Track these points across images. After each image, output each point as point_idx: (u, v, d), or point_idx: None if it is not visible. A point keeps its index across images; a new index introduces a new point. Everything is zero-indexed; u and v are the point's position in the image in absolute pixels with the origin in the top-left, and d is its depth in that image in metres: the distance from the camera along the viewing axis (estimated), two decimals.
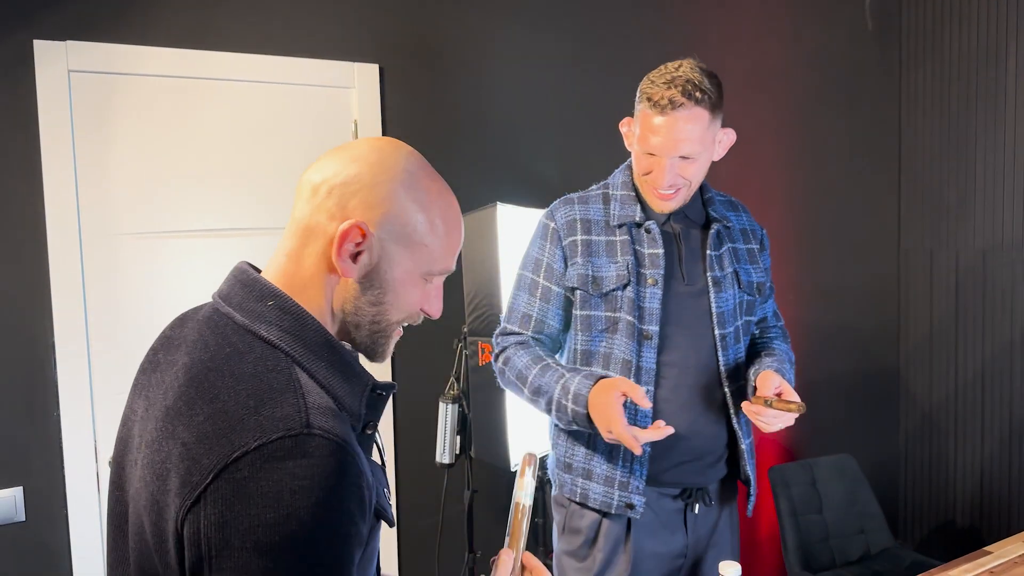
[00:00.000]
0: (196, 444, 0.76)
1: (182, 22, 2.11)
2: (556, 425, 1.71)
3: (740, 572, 1.33)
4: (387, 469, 2.44)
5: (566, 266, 1.64)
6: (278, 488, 0.72)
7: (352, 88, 2.33)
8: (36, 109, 1.95)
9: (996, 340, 3.03)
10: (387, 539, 2.42)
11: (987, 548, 1.95)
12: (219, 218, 2.20)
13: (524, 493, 1.07)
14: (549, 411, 1.59)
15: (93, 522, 2.03)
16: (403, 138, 0.96)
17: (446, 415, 2.12)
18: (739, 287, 1.66)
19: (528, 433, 2.07)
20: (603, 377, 1.52)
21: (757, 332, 1.80)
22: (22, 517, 1.97)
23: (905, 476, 3.42)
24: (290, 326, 0.84)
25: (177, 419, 0.79)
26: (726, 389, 1.62)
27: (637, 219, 1.61)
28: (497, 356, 1.70)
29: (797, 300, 3.09)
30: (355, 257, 0.86)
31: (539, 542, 2.26)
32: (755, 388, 1.55)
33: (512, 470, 2.05)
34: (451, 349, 2.19)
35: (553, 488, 1.75)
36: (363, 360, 0.96)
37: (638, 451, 1.43)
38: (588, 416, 1.49)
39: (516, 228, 2.05)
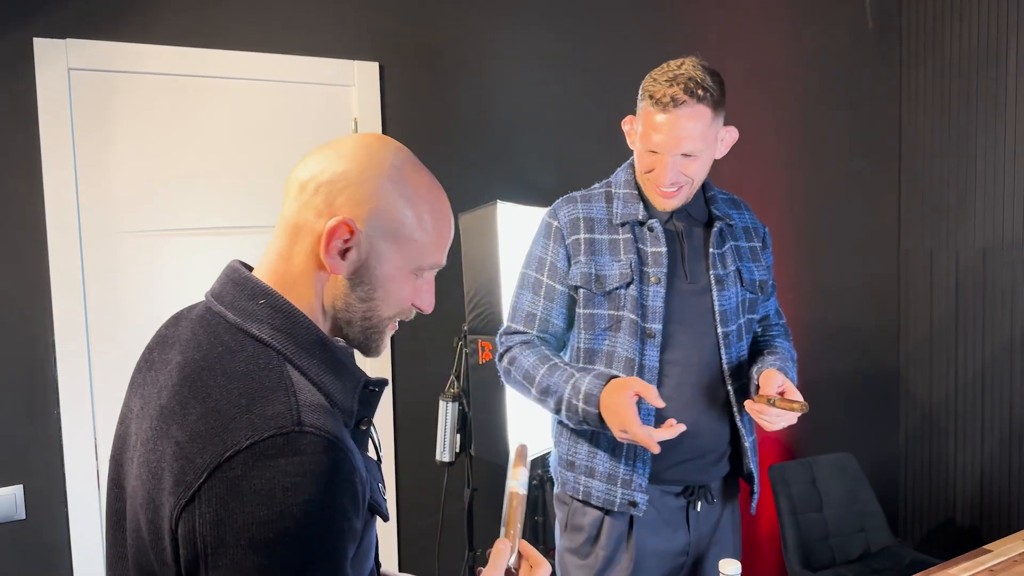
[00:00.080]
0: (189, 443, 0.76)
1: (182, 20, 2.11)
2: (559, 423, 1.71)
3: (740, 570, 1.33)
4: (386, 466, 2.44)
5: (569, 264, 1.64)
6: (271, 486, 0.73)
7: (352, 86, 2.33)
8: (36, 107, 1.95)
9: (996, 340, 3.03)
10: (387, 537, 2.42)
11: (987, 546, 1.96)
12: (219, 216, 2.19)
13: (519, 483, 1.07)
14: (558, 411, 1.59)
15: (93, 520, 2.03)
16: (403, 136, 0.96)
17: (446, 413, 2.12)
18: (742, 285, 1.66)
19: (528, 431, 2.06)
20: (613, 377, 1.52)
21: (759, 330, 1.80)
22: (22, 515, 1.97)
23: (905, 475, 3.42)
24: (281, 324, 0.84)
25: (171, 418, 0.79)
26: (729, 387, 1.62)
27: (640, 217, 1.61)
28: (502, 355, 1.69)
29: (797, 300, 3.09)
30: (343, 254, 0.86)
31: (540, 540, 2.26)
32: (758, 386, 1.55)
33: None
34: (451, 347, 2.19)
35: (555, 486, 1.75)
36: (359, 356, 0.96)
37: (656, 450, 1.43)
38: (599, 416, 1.49)
39: (516, 226, 2.05)
